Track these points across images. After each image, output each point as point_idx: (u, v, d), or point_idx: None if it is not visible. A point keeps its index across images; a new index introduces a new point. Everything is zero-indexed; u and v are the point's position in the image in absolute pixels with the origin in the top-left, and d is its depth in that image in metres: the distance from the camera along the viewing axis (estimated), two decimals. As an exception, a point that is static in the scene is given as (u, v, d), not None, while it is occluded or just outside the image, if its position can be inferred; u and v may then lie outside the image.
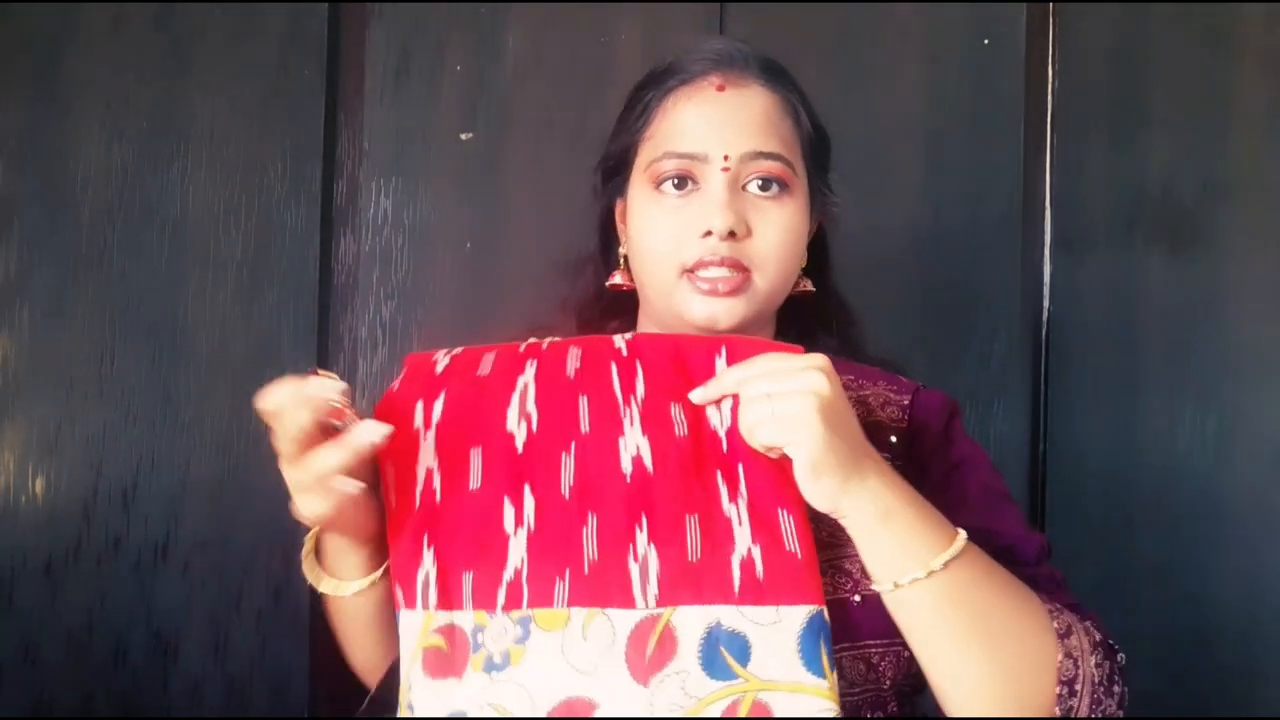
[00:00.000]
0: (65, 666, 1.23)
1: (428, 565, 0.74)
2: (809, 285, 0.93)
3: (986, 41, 1.37)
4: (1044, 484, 1.35)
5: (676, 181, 0.85)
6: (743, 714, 0.68)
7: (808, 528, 0.72)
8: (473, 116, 1.33)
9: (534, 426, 0.76)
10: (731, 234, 0.82)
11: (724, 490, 0.74)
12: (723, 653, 0.69)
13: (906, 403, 0.88)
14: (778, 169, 0.84)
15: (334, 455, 0.69)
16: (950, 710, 0.73)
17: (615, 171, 0.93)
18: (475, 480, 0.75)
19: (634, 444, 0.75)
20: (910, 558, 0.70)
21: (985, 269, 1.36)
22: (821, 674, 0.68)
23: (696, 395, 0.75)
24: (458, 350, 0.80)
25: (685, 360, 0.77)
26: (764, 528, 0.72)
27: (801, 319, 0.96)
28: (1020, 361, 1.37)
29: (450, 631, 0.72)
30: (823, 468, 0.68)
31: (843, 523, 0.72)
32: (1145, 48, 1.38)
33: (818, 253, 0.95)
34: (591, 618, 0.71)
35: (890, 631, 0.75)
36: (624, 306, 0.97)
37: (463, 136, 1.33)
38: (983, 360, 1.36)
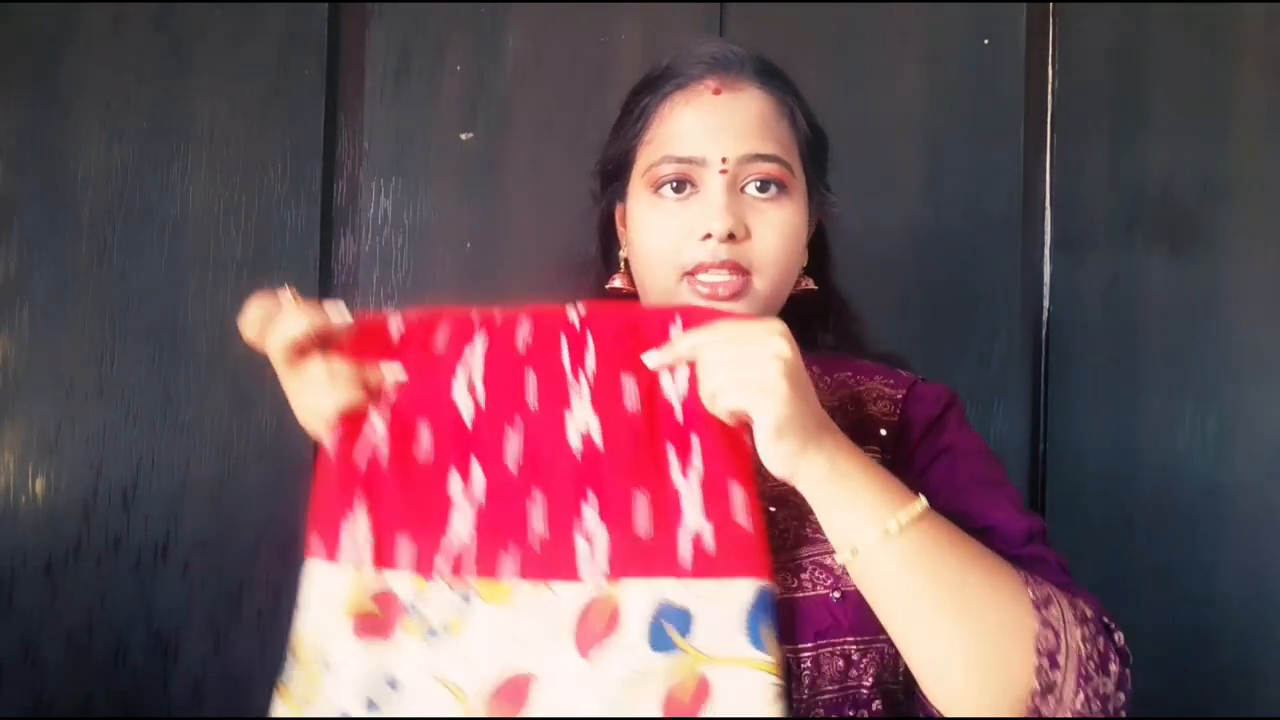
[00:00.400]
0: (65, 666, 1.23)
1: (361, 520, 0.74)
2: (810, 284, 0.93)
3: (986, 41, 1.37)
4: (1044, 484, 1.35)
5: (675, 185, 0.85)
6: (683, 687, 0.68)
7: (757, 503, 0.72)
8: (473, 116, 1.33)
9: (480, 400, 0.76)
10: (731, 236, 0.82)
11: (675, 463, 0.73)
12: (666, 626, 0.69)
13: (900, 396, 0.88)
14: (775, 171, 0.84)
15: (303, 320, 0.73)
16: (929, 690, 0.71)
17: (614, 176, 0.94)
18: (422, 450, 0.76)
19: (583, 420, 0.75)
20: (867, 520, 0.70)
21: (985, 269, 1.36)
22: (764, 649, 0.68)
23: (651, 358, 0.75)
24: (411, 316, 0.79)
25: (639, 330, 0.77)
26: (715, 501, 0.72)
27: (802, 317, 0.95)
28: (1020, 361, 1.37)
29: (383, 594, 0.73)
30: (785, 430, 0.69)
31: (799, 487, 0.72)
32: (1145, 48, 1.38)
33: (818, 251, 0.95)
34: (537, 591, 0.72)
35: (872, 628, 0.74)
36: None
37: (463, 136, 1.33)
38: (983, 360, 1.36)
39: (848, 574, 0.74)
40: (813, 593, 0.76)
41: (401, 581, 0.73)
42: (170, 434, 1.26)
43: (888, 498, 0.71)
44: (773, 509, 0.80)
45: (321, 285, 1.31)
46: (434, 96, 1.33)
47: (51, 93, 1.27)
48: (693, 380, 0.74)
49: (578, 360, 0.77)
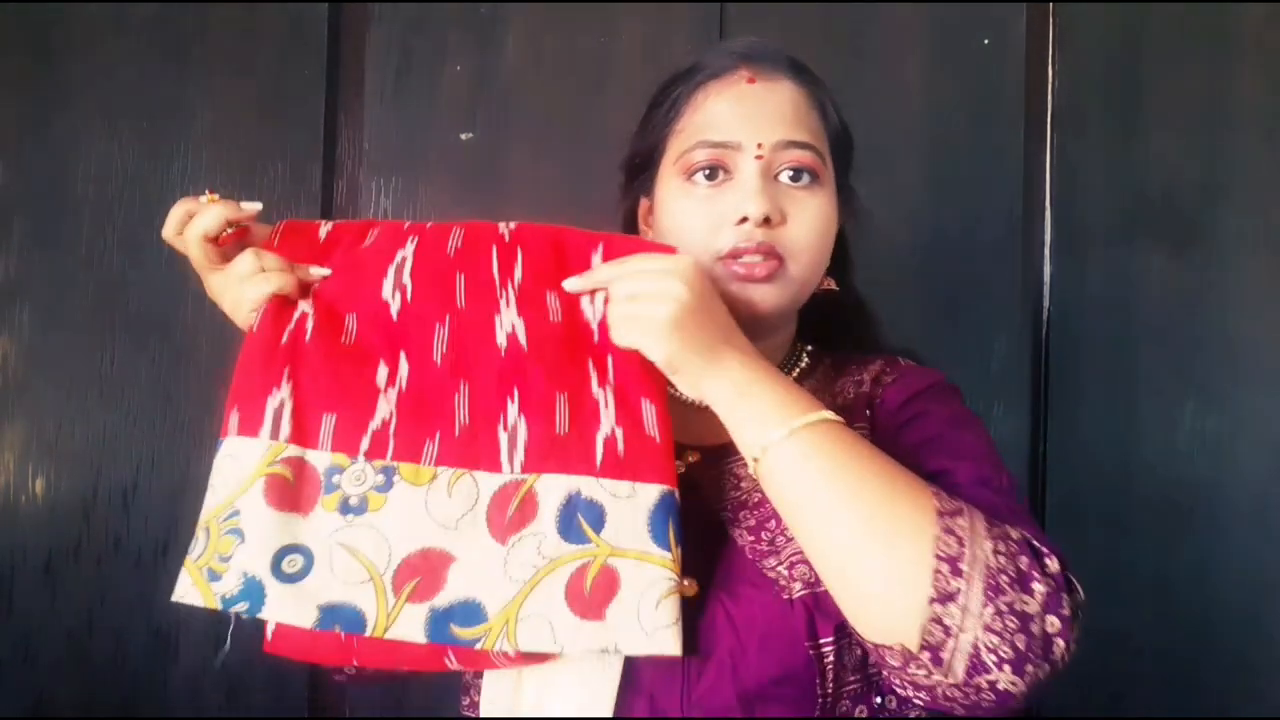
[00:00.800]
0: (65, 666, 1.23)
1: (284, 396, 0.75)
2: (832, 284, 0.92)
3: (986, 41, 1.37)
4: (1044, 484, 1.35)
5: (709, 172, 0.84)
6: (591, 576, 0.70)
7: (667, 418, 0.76)
8: (473, 116, 1.33)
9: (409, 297, 0.79)
10: (766, 220, 0.82)
11: (594, 375, 0.77)
12: (579, 519, 0.72)
13: (890, 380, 0.88)
14: (809, 159, 0.85)
15: (219, 212, 0.79)
16: (839, 600, 0.70)
17: (641, 169, 0.93)
18: (348, 339, 0.78)
19: (509, 322, 0.78)
20: (772, 424, 0.71)
21: (985, 269, 1.36)
22: (667, 547, 0.71)
23: (571, 284, 0.79)
24: (340, 223, 0.83)
25: (564, 251, 0.81)
26: (627, 412, 0.75)
27: (821, 318, 0.95)
28: (1020, 361, 1.37)
29: (300, 465, 0.73)
30: (676, 365, 0.73)
31: (711, 406, 0.74)
32: (1145, 47, 1.38)
33: (839, 253, 0.94)
34: (458, 477, 0.73)
35: None
36: None
37: (463, 136, 1.33)
38: (983, 360, 1.36)
39: None
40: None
41: (322, 459, 0.73)
42: (170, 434, 1.26)
43: (794, 406, 0.72)
44: None
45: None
46: (434, 96, 1.33)
47: (51, 93, 1.27)
48: (607, 304, 0.79)
49: (506, 271, 0.80)
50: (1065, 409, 1.36)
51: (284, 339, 0.77)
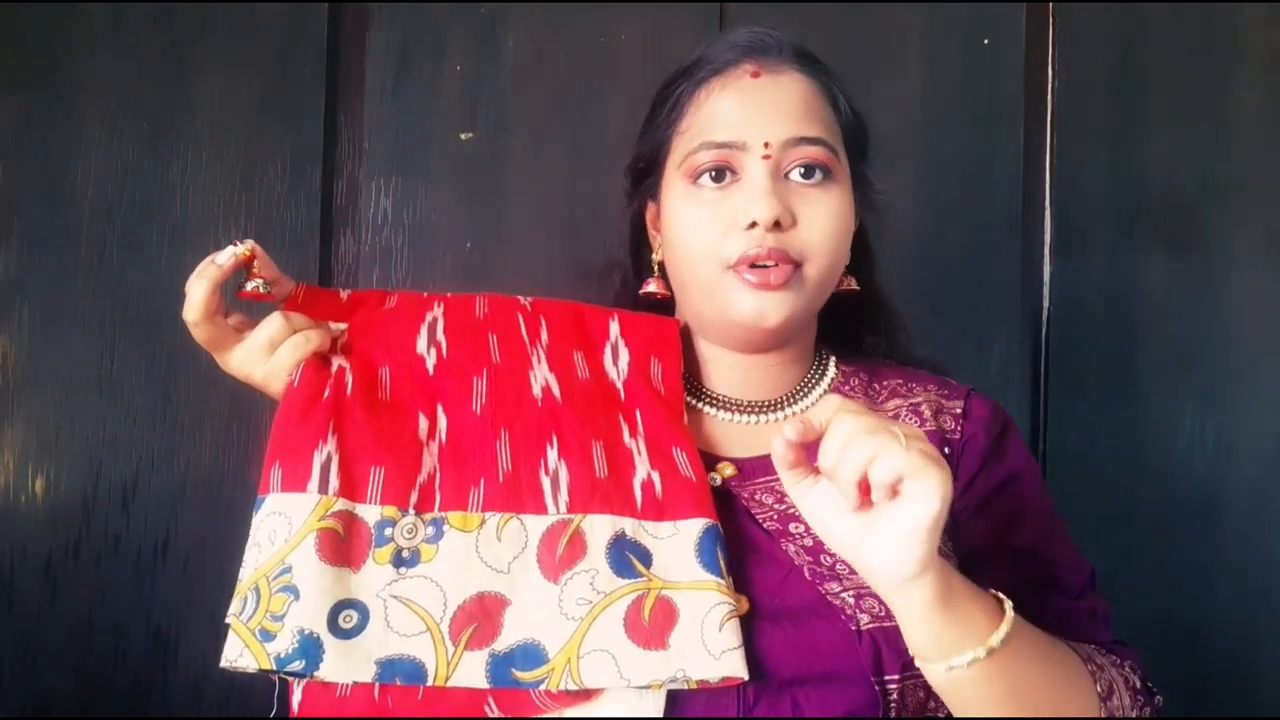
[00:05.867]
0: (65, 666, 1.23)
1: (330, 449, 0.73)
2: (853, 284, 0.88)
3: (986, 41, 1.37)
4: (1044, 484, 1.35)
5: (714, 174, 0.80)
6: (648, 606, 0.70)
7: (699, 459, 0.77)
8: (473, 116, 1.33)
9: (444, 353, 0.81)
10: (777, 224, 0.78)
11: (625, 428, 0.79)
12: (628, 556, 0.72)
13: (959, 411, 0.85)
14: (821, 154, 0.80)
15: (211, 270, 0.77)
16: None
17: (646, 172, 0.89)
18: (384, 393, 0.78)
19: (542, 377, 0.80)
20: (963, 642, 0.65)
21: (985, 269, 1.36)
22: (719, 574, 0.71)
23: (793, 431, 0.65)
24: (357, 291, 0.86)
25: (583, 320, 0.86)
26: (661, 458, 0.77)
27: (844, 320, 0.92)
28: (1020, 361, 1.36)
29: (350, 519, 0.72)
30: (936, 528, 0.62)
31: (899, 600, 0.66)
32: (1145, 48, 1.38)
33: (859, 249, 0.90)
34: (506, 521, 0.74)
35: None
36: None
37: (463, 136, 1.33)
38: (983, 360, 1.35)
39: None
40: (891, 624, 0.71)
41: (372, 513, 0.73)
42: (170, 434, 1.26)
43: (983, 619, 0.66)
44: None
45: (322, 285, 1.30)
46: (434, 96, 1.33)
47: (51, 93, 1.27)
48: (632, 364, 0.82)
49: (534, 334, 0.83)
50: (1065, 409, 1.36)
51: (326, 393, 0.76)
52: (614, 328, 0.84)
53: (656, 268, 0.90)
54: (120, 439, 1.25)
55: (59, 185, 1.26)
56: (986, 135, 1.37)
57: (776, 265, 0.78)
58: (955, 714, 0.69)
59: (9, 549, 1.23)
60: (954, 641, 0.65)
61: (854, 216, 0.85)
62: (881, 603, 0.70)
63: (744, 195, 0.79)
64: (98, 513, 1.24)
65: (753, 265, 0.78)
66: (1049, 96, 1.38)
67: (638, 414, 0.79)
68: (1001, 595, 0.68)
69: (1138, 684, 0.74)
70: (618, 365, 0.82)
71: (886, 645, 0.71)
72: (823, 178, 0.81)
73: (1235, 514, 1.33)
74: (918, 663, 0.68)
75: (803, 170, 0.80)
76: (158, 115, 1.28)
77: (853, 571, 0.72)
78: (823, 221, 0.80)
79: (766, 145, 0.79)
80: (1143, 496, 1.34)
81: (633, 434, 0.78)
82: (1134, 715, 0.72)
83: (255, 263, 0.78)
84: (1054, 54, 1.38)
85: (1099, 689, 0.72)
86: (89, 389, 1.25)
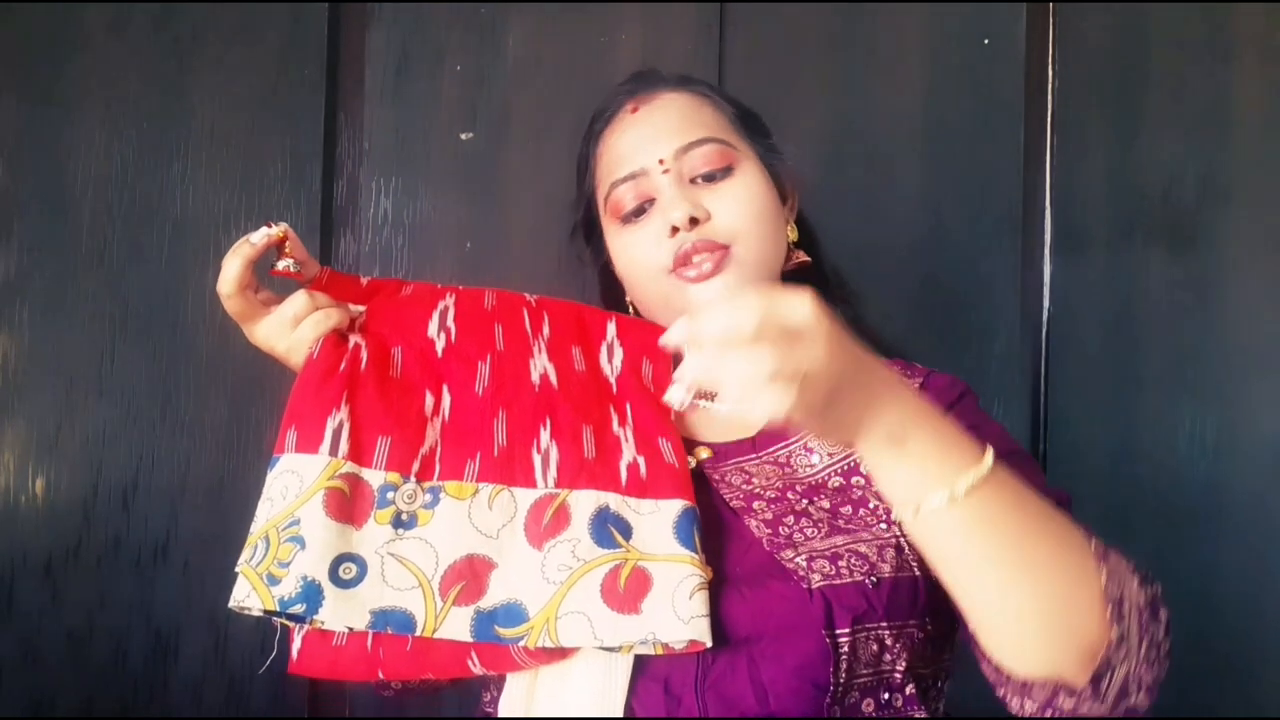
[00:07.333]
0: (65, 666, 1.23)
1: (342, 417, 0.79)
2: (804, 257, 0.95)
3: (986, 41, 1.38)
4: (1044, 484, 1.35)
5: (636, 210, 0.89)
6: (624, 575, 0.74)
7: (683, 450, 0.83)
8: (473, 116, 1.33)
9: (453, 338, 0.87)
10: (694, 221, 0.85)
11: (614, 417, 0.85)
12: (609, 528, 0.77)
13: (918, 385, 0.89)
14: (714, 150, 0.88)
15: (242, 252, 0.81)
16: (998, 646, 0.68)
17: (590, 232, 0.99)
18: (395, 371, 0.84)
19: (542, 365, 0.87)
20: (931, 483, 0.64)
21: (985, 269, 1.36)
22: (694, 550, 0.75)
23: (674, 396, 0.61)
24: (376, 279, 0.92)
25: (583, 319, 0.92)
26: (647, 446, 0.82)
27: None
28: (1020, 361, 1.37)
29: (355, 481, 0.77)
30: (827, 430, 0.63)
31: (860, 451, 0.65)
32: (1145, 48, 1.38)
33: (805, 226, 0.98)
34: (497, 492, 0.79)
35: (904, 613, 0.75)
36: None
37: (463, 136, 1.33)
38: (983, 360, 1.36)
39: (882, 560, 0.76)
40: (849, 579, 0.75)
41: (376, 477, 0.78)
42: (170, 434, 1.26)
43: (953, 457, 0.65)
44: (806, 501, 0.82)
45: (321, 285, 1.31)
46: (434, 96, 1.33)
47: (51, 93, 1.27)
48: (626, 362, 0.88)
49: (537, 327, 0.90)
50: (1065, 409, 1.36)
51: (342, 366, 0.82)
52: (611, 328, 0.91)
53: (631, 309, 0.98)
54: (120, 439, 1.25)
55: (59, 185, 1.26)
56: (987, 135, 1.37)
57: (708, 254, 0.85)
58: (937, 571, 0.68)
59: (9, 550, 1.23)
60: (919, 484, 0.64)
61: (778, 191, 0.92)
62: (832, 563, 0.76)
63: (660, 210, 0.88)
64: (98, 513, 1.24)
65: (686, 263, 0.86)
66: (1049, 96, 1.38)
67: (628, 407, 0.85)
68: (988, 445, 0.67)
69: (1132, 564, 0.71)
70: (612, 362, 0.89)
71: (836, 602, 0.74)
72: (724, 173, 0.88)
73: (1235, 513, 1.34)
74: (895, 514, 0.67)
75: (704, 176, 0.88)
76: (158, 115, 1.28)
77: (808, 539, 0.78)
78: (736, 204, 0.87)
79: (661, 162, 0.88)
80: (1143, 496, 1.34)
81: (622, 423, 0.84)
82: (1134, 582, 0.68)
83: (287, 244, 0.84)
84: (1054, 54, 1.39)
85: (1093, 546, 0.69)
86: (89, 389, 1.25)
